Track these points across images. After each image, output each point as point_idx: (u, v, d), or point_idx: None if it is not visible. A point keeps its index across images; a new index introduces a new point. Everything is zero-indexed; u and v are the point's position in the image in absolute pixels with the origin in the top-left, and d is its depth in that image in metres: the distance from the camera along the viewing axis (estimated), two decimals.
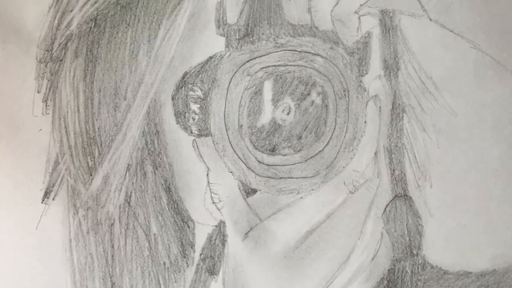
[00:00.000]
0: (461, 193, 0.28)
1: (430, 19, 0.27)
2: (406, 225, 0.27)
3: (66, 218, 0.29)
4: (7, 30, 0.28)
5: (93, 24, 0.27)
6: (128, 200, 0.28)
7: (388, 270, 0.28)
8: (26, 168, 0.29)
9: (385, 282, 0.28)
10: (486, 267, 0.27)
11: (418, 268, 0.28)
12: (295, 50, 0.28)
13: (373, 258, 0.28)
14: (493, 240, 0.27)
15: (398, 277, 0.28)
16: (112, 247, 0.29)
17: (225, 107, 0.28)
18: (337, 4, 0.27)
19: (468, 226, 0.27)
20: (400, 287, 0.28)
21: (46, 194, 0.29)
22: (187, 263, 0.29)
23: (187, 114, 0.28)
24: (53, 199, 0.29)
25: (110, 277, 0.29)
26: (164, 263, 0.29)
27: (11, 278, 0.30)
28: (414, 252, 0.28)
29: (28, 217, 0.29)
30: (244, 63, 0.28)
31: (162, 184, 0.28)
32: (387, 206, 0.28)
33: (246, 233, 0.28)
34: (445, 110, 0.27)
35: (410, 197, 0.28)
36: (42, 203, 0.29)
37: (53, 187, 0.29)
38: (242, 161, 0.28)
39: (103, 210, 0.28)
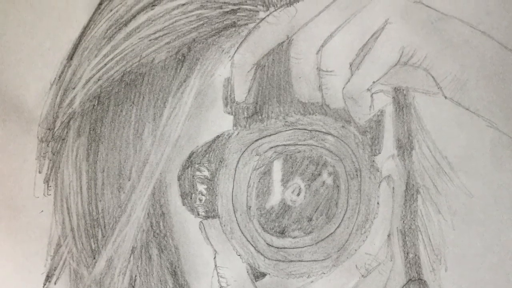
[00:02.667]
0: (477, 277, 0.30)
1: (445, 97, 0.30)
2: None
3: None
4: (7, 108, 0.31)
5: (96, 102, 0.30)
6: (133, 284, 0.31)
7: None
8: (27, 251, 0.31)
9: None
10: None
11: None
12: (305, 129, 0.30)
13: None
14: None
15: None
16: None
17: (233, 188, 0.30)
18: (348, 81, 0.30)
19: None
20: None
21: (48, 278, 0.31)
22: None
23: (193, 195, 0.30)
24: (55, 283, 0.31)
25: None
26: None
27: None
28: None
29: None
30: (253, 142, 0.30)
31: (167, 268, 0.31)
32: None
33: None
34: (460, 191, 0.30)
35: (425, 281, 0.30)
36: (43, 287, 0.31)
37: (55, 270, 0.31)
38: (250, 243, 0.30)
39: None
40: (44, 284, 0.33)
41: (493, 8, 0.32)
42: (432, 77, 0.32)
